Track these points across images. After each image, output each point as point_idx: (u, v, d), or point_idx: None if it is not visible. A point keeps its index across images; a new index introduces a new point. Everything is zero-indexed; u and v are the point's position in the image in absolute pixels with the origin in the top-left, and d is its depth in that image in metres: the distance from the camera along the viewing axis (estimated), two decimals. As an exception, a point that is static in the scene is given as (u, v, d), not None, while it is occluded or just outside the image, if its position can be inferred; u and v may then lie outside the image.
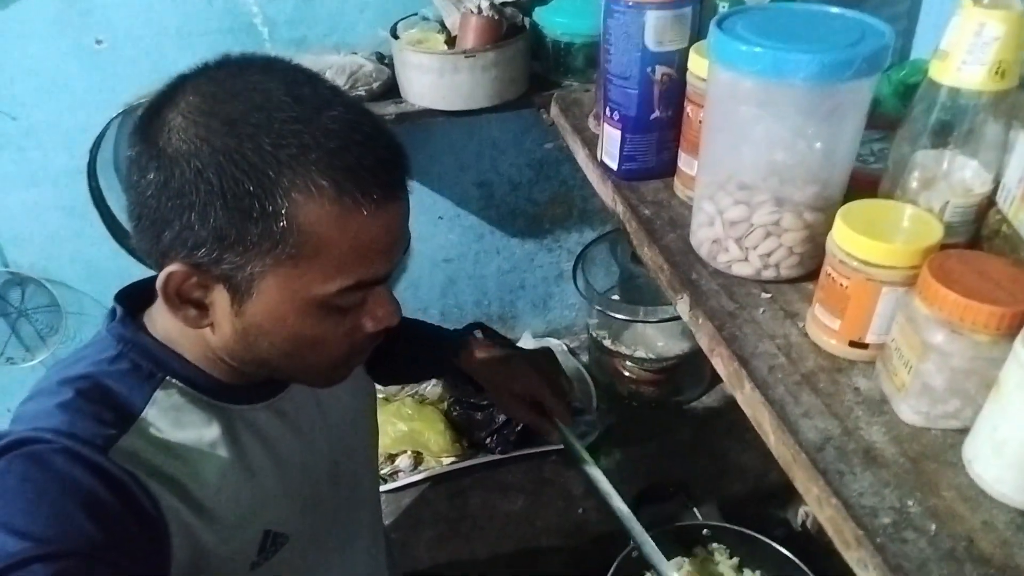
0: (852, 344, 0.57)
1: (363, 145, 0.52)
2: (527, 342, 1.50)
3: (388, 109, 1.07)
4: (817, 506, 0.48)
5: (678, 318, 1.27)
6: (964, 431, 0.50)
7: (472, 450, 1.27)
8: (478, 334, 1.31)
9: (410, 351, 0.93)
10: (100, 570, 0.48)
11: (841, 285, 0.55)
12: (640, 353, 1.34)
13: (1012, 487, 0.44)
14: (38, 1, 1.00)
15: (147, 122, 0.53)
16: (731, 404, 1.33)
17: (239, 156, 0.49)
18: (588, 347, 1.48)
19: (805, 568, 0.89)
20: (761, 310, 0.63)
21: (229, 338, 0.57)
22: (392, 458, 1.27)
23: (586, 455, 0.84)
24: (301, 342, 0.57)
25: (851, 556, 0.45)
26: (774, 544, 0.93)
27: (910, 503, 0.45)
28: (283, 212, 0.50)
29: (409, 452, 1.27)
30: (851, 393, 0.54)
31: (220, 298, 0.55)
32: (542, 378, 0.87)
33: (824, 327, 0.58)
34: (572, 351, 1.50)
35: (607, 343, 1.37)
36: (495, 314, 1.52)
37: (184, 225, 0.51)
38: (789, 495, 1.11)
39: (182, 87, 0.53)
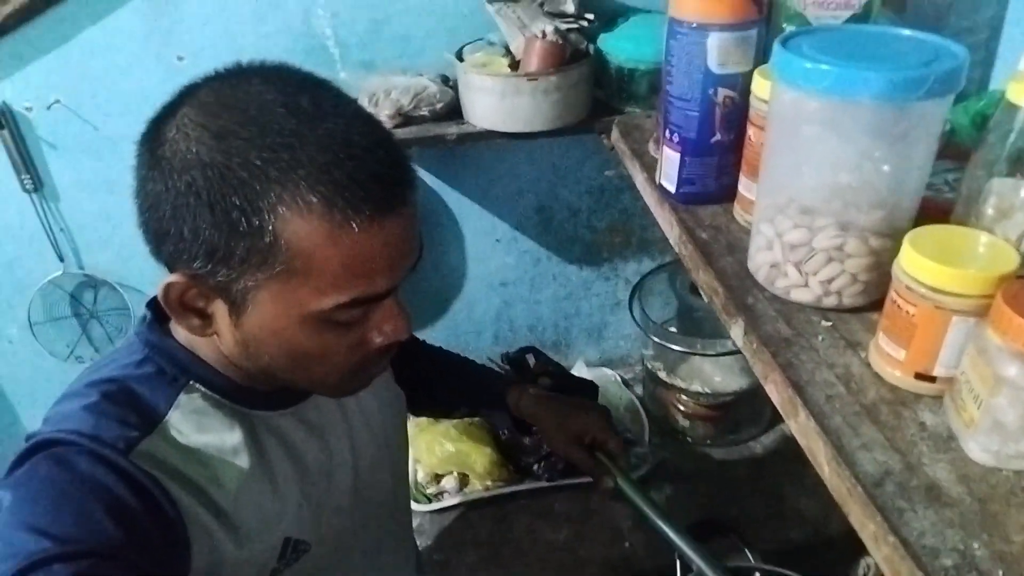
0: (918, 376, 0.53)
1: (357, 159, 0.50)
2: (581, 370, 1.48)
3: (450, 130, 1.09)
4: (873, 544, 0.45)
5: (736, 352, 1.25)
6: (1041, 473, 0.46)
7: (519, 475, 1.25)
8: (530, 358, 1.31)
9: (455, 384, 0.94)
10: (120, 571, 0.48)
11: (907, 313, 0.53)
12: (696, 387, 1.30)
13: (1093, 535, 0.40)
14: (126, 17, 1.06)
15: (151, 132, 0.53)
16: (791, 444, 1.28)
17: (227, 170, 0.49)
18: (642, 379, 1.45)
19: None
20: (820, 338, 0.60)
21: (233, 347, 0.57)
22: (438, 478, 1.26)
23: (642, 496, 0.81)
24: (302, 354, 0.56)
25: (909, 599, 0.41)
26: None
27: (975, 545, 0.42)
28: (270, 228, 0.49)
29: (455, 473, 1.26)
30: (915, 427, 0.51)
31: (219, 309, 0.55)
32: (601, 420, 0.86)
33: (888, 357, 0.55)
34: (626, 382, 1.47)
35: (662, 375, 1.34)
36: (549, 340, 1.51)
37: (180, 237, 0.51)
38: (849, 544, 1.05)
39: (185, 97, 0.52)
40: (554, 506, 1.20)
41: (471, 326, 1.45)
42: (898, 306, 0.53)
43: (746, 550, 0.97)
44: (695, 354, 1.29)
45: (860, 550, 1.01)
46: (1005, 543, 0.42)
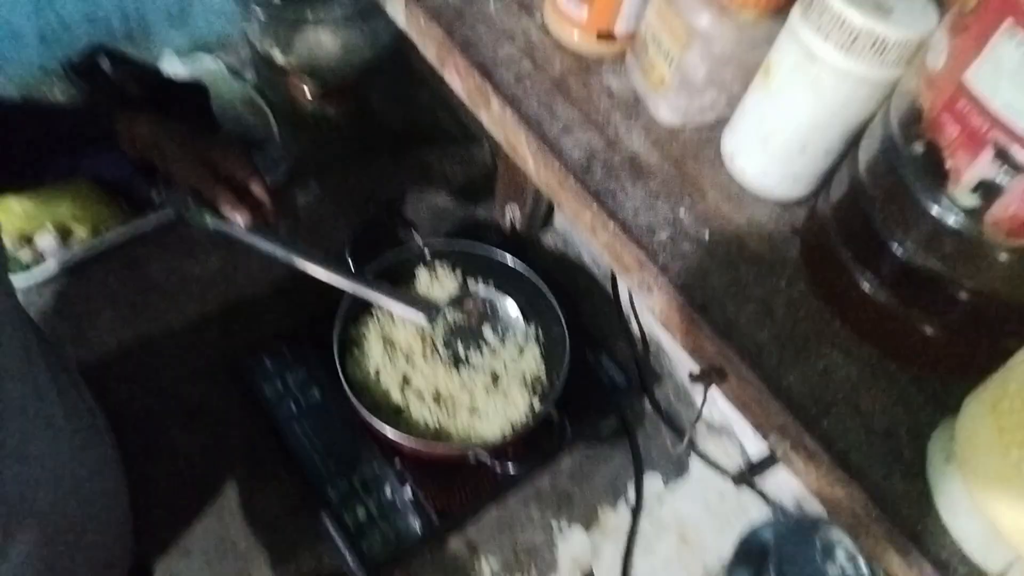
0: (600, 36, 0.49)
1: None
2: (173, 66, 1.20)
3: None
4: (590, 232, 0.43)
5: (357, 17, 1.10)
6: (716, 125, 0.47)
7: (137, 211, 1.04)
8: (104, 61, 1.01)
9: (35, 139, 0.67)
10: None
11: (590, -37, 0.46)
12: (321, 63, 1.15)
13: (776, 180, 0.43)
14: None
15: None
16: (426, 113, 1.25)
17: None
18: (253, 63, 1.23)
19: (523, 266, 0.91)
20: (491, 3, 0.51)
21: None
22: (27, 240, 0.99)
23: (283, 250, 0.74)
24: None
25: (632, 279, 0.41)
26: (490, 249, 0.93)
27: (681, 212, 0.43)
28: None
29: (49, 226, 1.00)
30: (606, 97, 0.48)
31: None
32: (244, 155, 0.69)
33: (567, 18, 0.49)
34: (234, 71, 1.24)
35: (276, 56, 1.14)
36: (119, 32, 1.16)
37: None
38: (494, 196, 1.11)
39: None
40: (194, 234, 1.04)
41: (0, 29, 1.05)
42: (579, -45, 0.46)
43: (414, 231, 0.96)
44: (309, 22, 1.11)
45: (506, 199, 1.07)
46: (704, 202, 0.43)
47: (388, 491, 0.82)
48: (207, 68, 1.22)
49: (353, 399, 0.78)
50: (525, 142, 0.45)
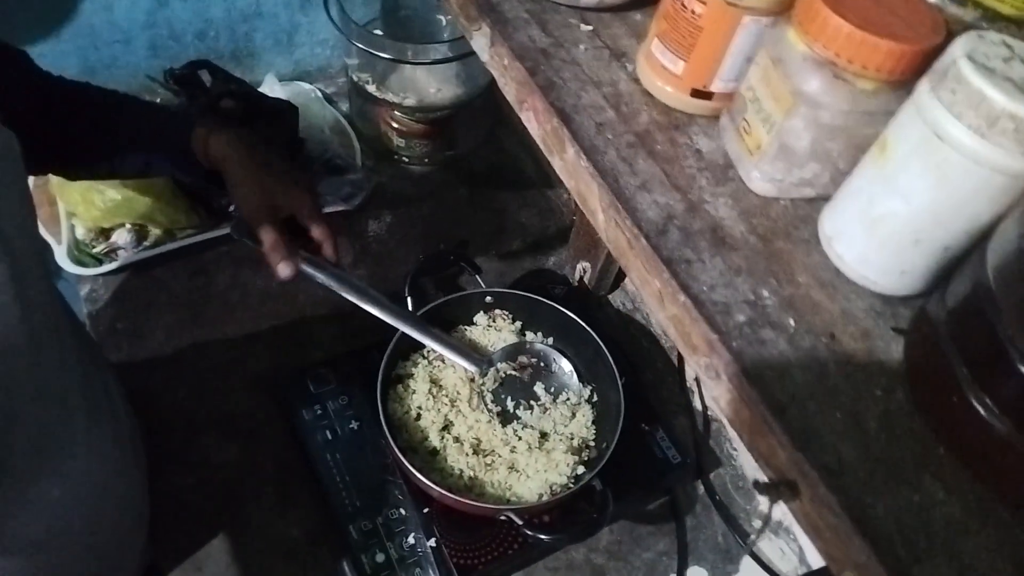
0: (695, 93, 0.45)
1: None
2: (272, 88, 1.23)
3: None
4: (658, 303, 0.38)
5: (453, 59, 1.10)
6: (815, 200, 0.42)
7: (213, 219, 1.05)
8: (205, 75, 1.03)
9: (106, 122, 0.68)
10: None
11: (693, 13, 0.42)
12: (410, 101, 1.15)
13: (877, 270, 0.37)
14: None
15: None
16: (509, 156, 1.23)
17: None
18: (348, 93, 1.25)
19: (583, 324, 0.86)
20: (582, 47, 0.48)
21: None
22: (106, 233, 1.01)
23: (346, 286, 0.73)
24: None
25: (699, 362, 0.37)
26: (554, 304, 0.89)
27: (765, 294, 0.38)
28: None
29: (128, 225, 1.02)
30: (692, 157, 0.44)
31: None
32: (309, 200, 0.69)
33: (662, 71, 0.45)
34: (329, 98, 1.26)
35: (371, 89, 1.15)
36: (226, 51, 1.20)
37: None
38: (567, 250, 1.07)
39: None
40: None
41: (114, 33, 1.09)
42: (682, 4, 0.42)
43: (477, 277, 0.94)
44: (406, 62, 1.12)
45: (578, 255, 1.04)
46: (792, 286, 0.38)
47: (411, 538, 0.77)
48: (302, 91, 1.25)
49: (388, 434, 0.74)
50: (597, 195, 0.41)
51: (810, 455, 0.31)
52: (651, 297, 0.39)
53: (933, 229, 0.35)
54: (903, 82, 0.36)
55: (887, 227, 0.36)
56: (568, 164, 0.43)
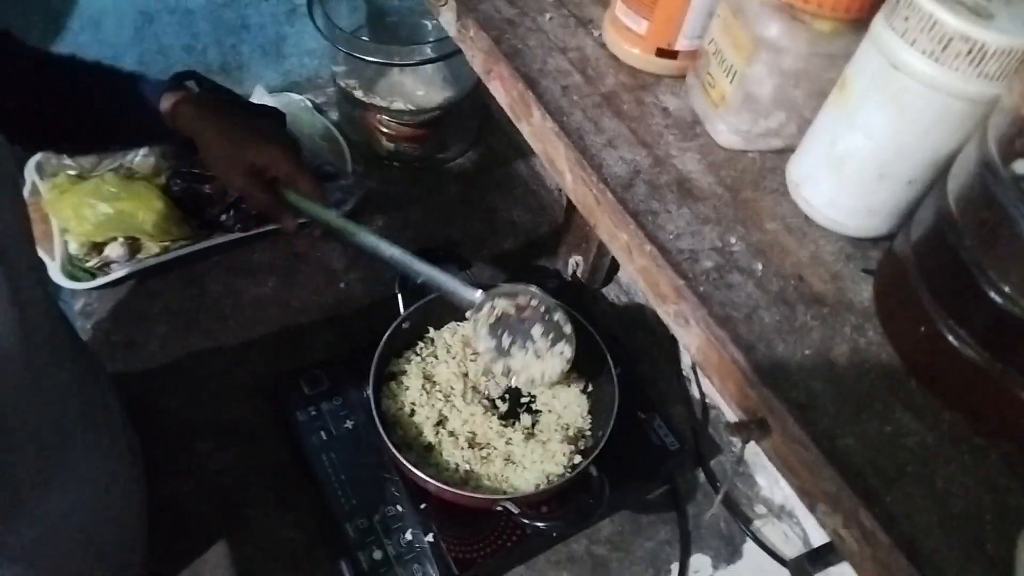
0: (660, 53, 0.45)
1: None
2: (262, 99, 1.24)
3: None
4: (626, 256, 0.38)
5: (438, 59, 1.11)
6: (784, 152, 0.42)
7: (205, 230, 1.06)
8: (192, 86, 1.04)
9: (74, 88, 0.69)
10: None
11: (652, -29, 0.42)
12: (398, 105, 1.16)
13: (848, 212, 0.37)
14: None
15: None
16: (498, 157, 1.24)
17: None
18: (337, 101, 1.26)
19: (577, 315, 0.86)
20: (548, 16, 0.48)
21: None
22: (98, 248, 1.02)
23: (342, 221, 0.72)
24: None
25: (668, 310, 0.36)
26: (549, 296, 0.88)
27: (732, 240, 0.37)
28: None
29: (121, 239, 1.02)
30: (659, 115, 0.43)
31: None
32: (282, 149, 0.69)
33: (626, 33, 0.45)
34: (318, 107, 1.27)
35: (359, 94, 1.16)
36: (215, 63, 1.22)
37: None
38: (560, 246, 1.07)
39: None
40: (253, 257, 1.05)
41: (103, 50, 1.10)
42: (642, -37, 0.43)
43: (468, 272, 0.94)
44: (393, 65, 1.13)
45: (570, 250, 1.03)
46: (760, 233, 0.38)
47: (409, 534, 0.77)
48: (292, 101, 1.26)
49: (381, 431, 0.74)
50: (564, 154, 0.41)
51: (779, 392, 0.31)
52: (620, 251, 0.38)
53: (896, 163, 0.34)
54: (860, 21, 0.36)
55: (852, 164, 0.35)
56: (535, 128, 0.43)
